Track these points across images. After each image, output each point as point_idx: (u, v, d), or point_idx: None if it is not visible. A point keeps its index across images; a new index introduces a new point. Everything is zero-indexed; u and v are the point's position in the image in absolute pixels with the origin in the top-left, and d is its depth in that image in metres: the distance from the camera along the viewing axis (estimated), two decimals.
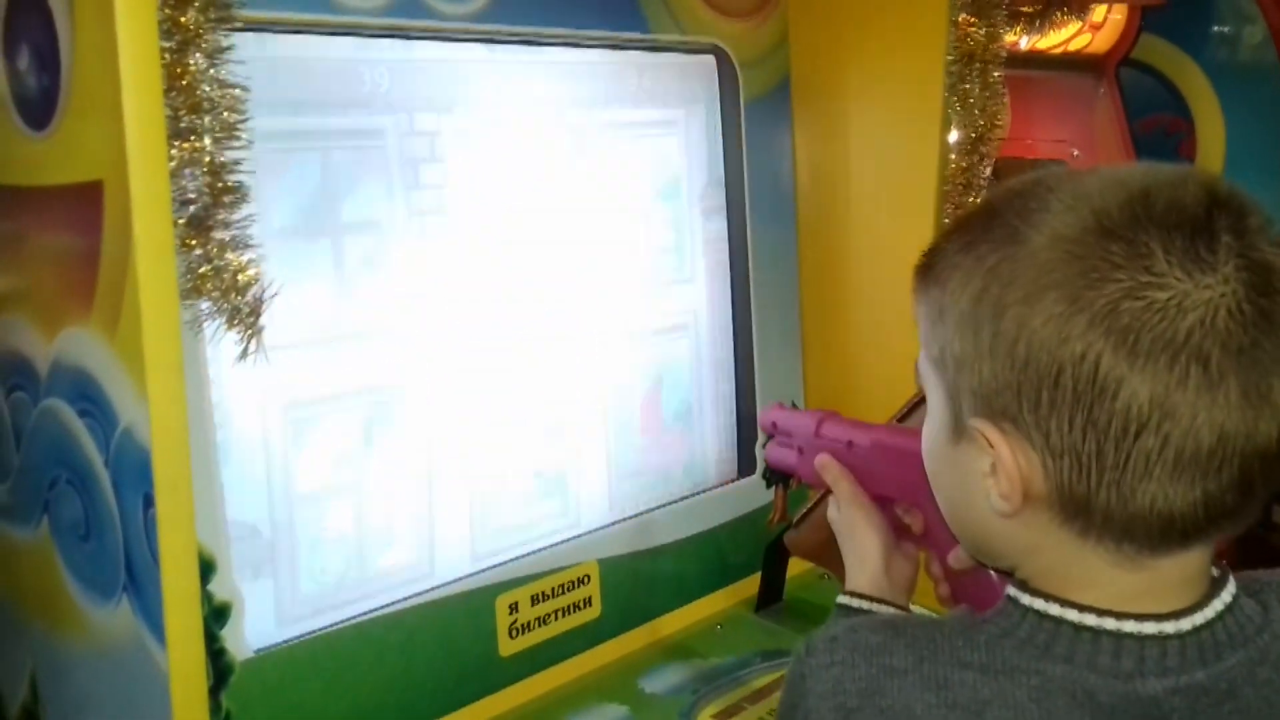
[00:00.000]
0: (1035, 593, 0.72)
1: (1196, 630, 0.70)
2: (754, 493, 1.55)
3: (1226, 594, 0.72)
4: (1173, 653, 0.69)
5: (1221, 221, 0.65)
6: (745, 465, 1.56)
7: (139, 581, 0.82)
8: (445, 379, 1.22)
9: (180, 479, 0.79)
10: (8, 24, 0.84)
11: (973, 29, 1.41)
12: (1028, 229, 0.68)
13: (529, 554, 1.30)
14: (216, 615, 1.03)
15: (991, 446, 0.69)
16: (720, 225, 1.52)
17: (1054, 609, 0.71)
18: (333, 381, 1.13)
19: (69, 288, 0.82)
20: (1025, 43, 1.87)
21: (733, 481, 1.55)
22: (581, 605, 1.34)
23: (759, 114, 1.53)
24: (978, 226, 0.72)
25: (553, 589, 1.31)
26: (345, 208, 1.12)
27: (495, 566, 1.27)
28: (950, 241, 0.73)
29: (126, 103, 0.73)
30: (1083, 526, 0.70)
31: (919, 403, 1.39)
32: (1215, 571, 0.73)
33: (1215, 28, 2.68)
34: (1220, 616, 0.71)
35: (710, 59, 1.48)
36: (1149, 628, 0.69)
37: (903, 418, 1.41)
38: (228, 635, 1.03)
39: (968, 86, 1.46)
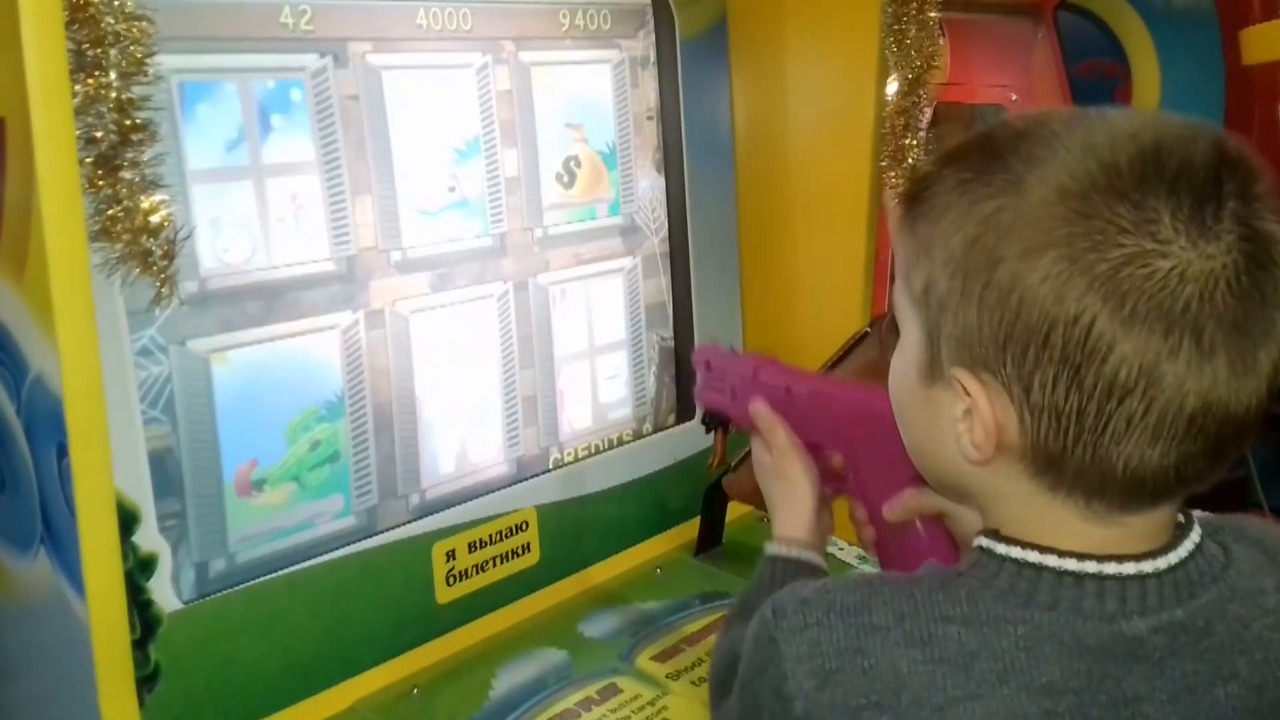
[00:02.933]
0: (1010, 541, 0.72)
1: (1171, 569, 0.71)
2: (692, 438, 1.54)
3: (1194, 535, 0.73)
4: (1152, 591, 0.70)
5: (1229, 186, 0.65)
6: (684, 411, 1.56)
7: (56, 534, 0.80)
8: (373, 322, 1.20)
9: (95, 428, 0.76)
10: None
11: None
12: (1030, 177, 0.66)
13: (466, 501, 1.29)
14: (142, 567, 1.00)
15: (969, 395, 0.69)
16: (657, 167, 1.50)
17: (1032, 556, 0.71)
18: (262, 328, 1.10)
19: None
20: None
21: (671, 427, 1.55)
22: (520, 551, 1.33)
23: (695, 55, 1.50)
24: (975, 164, 0.70)
25: (490, 536, 1.30)
26: (268, 149, 1.08)
27: (432, 515, 1.25)
28: (943, 175, 0.71)
29: (25, 35, 0.69)
30: (1053, 481, 0.70)
31: (855, 344, 1.40)
32: (1180, 517, 0.73)
33: None
34: (1191, 556, 0.72)
35: None
36: (1129, 568, 0.70)
37: (839, 360, 1.42)
38: (154, 587, 1.01)
39: (904, 27, 1.45)
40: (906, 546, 0.99)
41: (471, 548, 1.28)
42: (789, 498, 1.02)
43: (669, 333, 1.55)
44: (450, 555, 1.26)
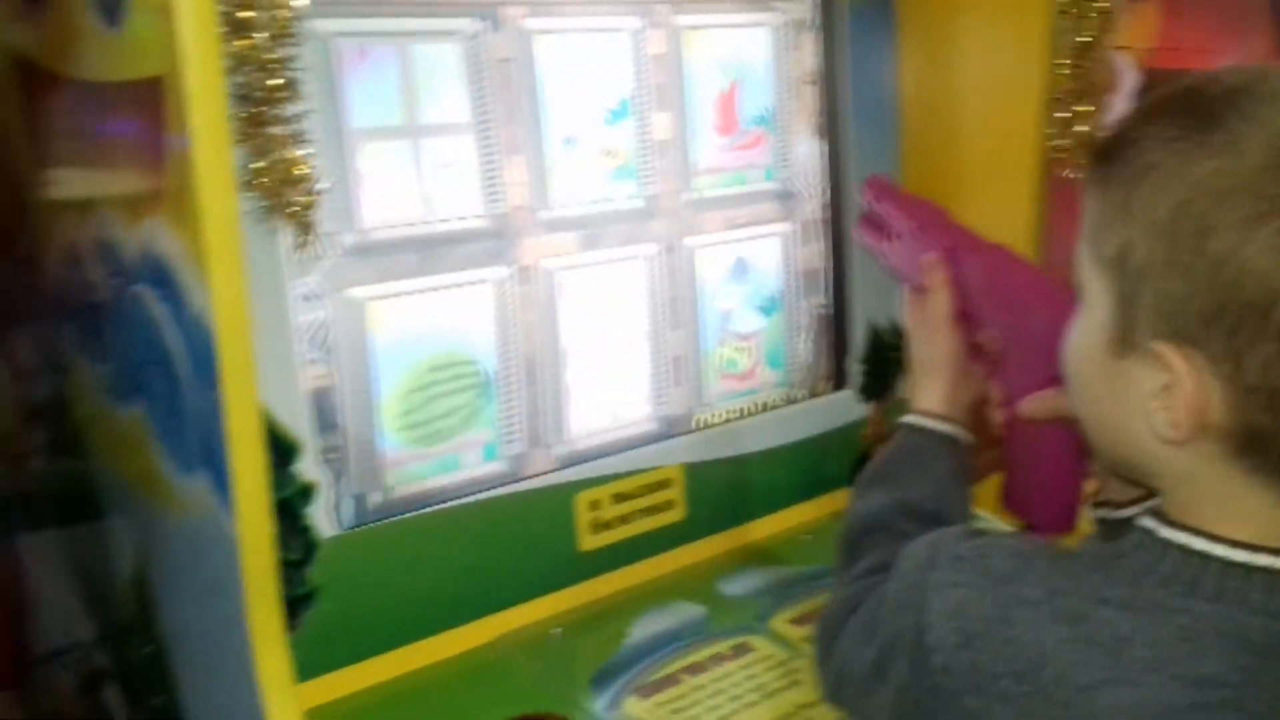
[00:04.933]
0: (1177, 525, 0.70)
1: None
2: (847, 407, 1.53)
3: None
4: None
5: None
6: (839, 379, 1.55)
7: (213, 456, 0.88)
8: (523, 278, 1.25)
9: (243, 363, 0.84)
10: None
11: None
12: (1252, 138, 0.63)
13: (610, 454, 1.33)
14: (302, 494, 1.10)
15: (1170, 371, 0.66)
16: (818, 132, 1.49)
17: (1199, 544, 0.69)
18: (417, 279, 1.17)
19: (145, 179, 0.88)
20: None
21: (825, 394, 1.54)
22: (664, 507, 1.36)
23: (862, 18, 1.48)
24: (1184, 121, 0.66)
25: (634, 490, 1.33)
26: (427, 108, 1.14)
27: (576, 465, 1.30)
28: (1146, 132, 0.68)
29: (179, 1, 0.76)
30: (1255, 464, 0.67)
31: None
32: None
33: None
34: None
35: None
36: None
37: None
38: (312, 515, 1.10)
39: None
40: (1034, 445, 0.95)
41: (616, 499, 1.32)
42: (935, 364, 0.99)
43: (825, 300, 1.54)
44: (594, 505, 1.30)
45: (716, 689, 1.16)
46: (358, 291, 1.13)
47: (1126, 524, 0.77)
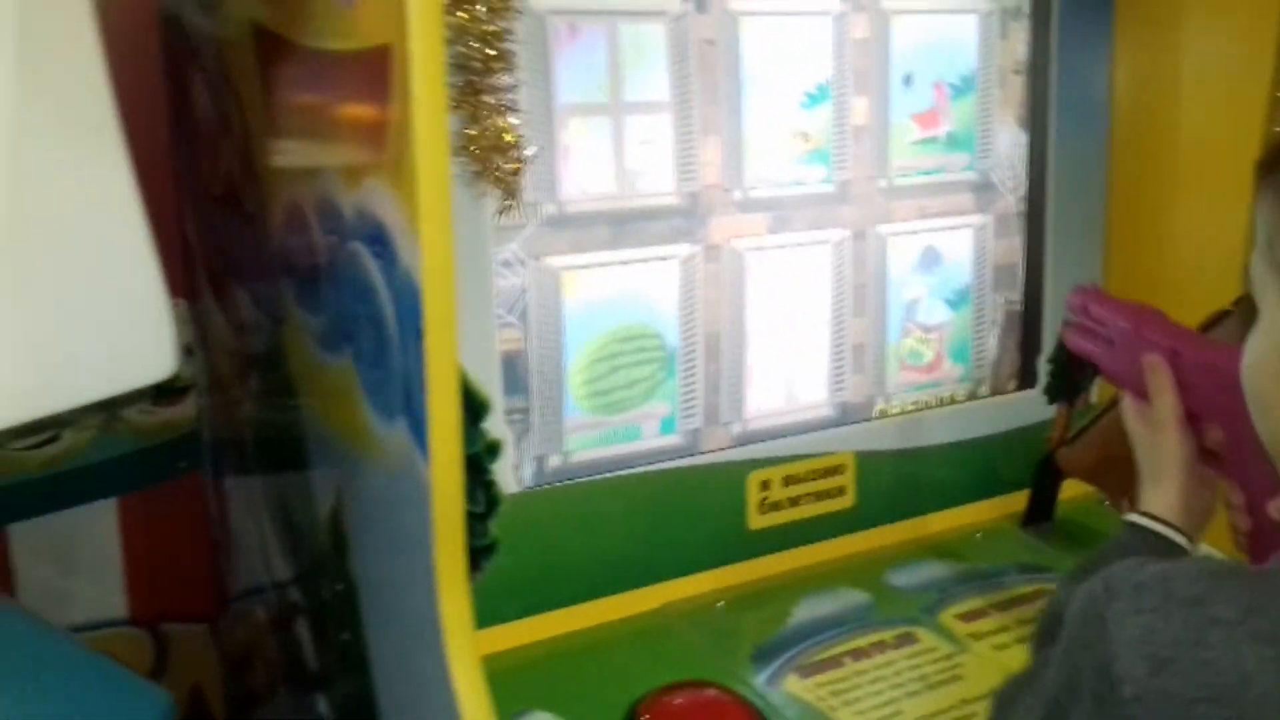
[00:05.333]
0: None
1: None
2: (1031, 407, 1.49)
3: None
4: None
5: None
6: (1025, 378, 1.51)
7: (413, 406, 0.94)
8: (711, 256, 1.27)
9: (445, 318, 0.89)
10: None
11: None
12: None
13: (786, 436, 1.33)
14: (489, 451, 1.15)
15: None
16: (1021, 123, 1.45)
17: None
18: (609, 251, 1.20)
19: (366, 143, 0.94)
20: None
21: (1010, 393, 1.50)
22: (836, 493, 1.36)
23: (1076, 8, 1.43)
24: None
25: (807, 473, 1.34)
26: (630, 86, 1.17)
27: (751, 444, 1.31)
28: None
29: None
30: None
31: (1212, 324, 1.29)
32: None
33: None
34: None
35: None
36: None
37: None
38: (498, 470, 1.15)
39: None
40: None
41: (787, 481, 1.33)
42: (1155, 466, 0.99)
43: (1017, 296, 1.50)
44: (765, 485, 1.31)
45: (878, 675, 1.16)
46: (554, 260, 1.17)
47: None
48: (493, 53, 0.86)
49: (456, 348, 0.90)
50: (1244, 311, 1.18)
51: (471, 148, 0.87)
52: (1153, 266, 1.51)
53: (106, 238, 0.90)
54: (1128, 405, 1.05)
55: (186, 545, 1.75)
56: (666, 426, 1.28)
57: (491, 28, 0.85)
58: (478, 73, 0.86)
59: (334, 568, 1.22)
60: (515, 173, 0.90)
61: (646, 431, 1.27)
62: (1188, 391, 0.99)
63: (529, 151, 0.92)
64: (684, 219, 1.25)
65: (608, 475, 1.23)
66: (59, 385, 0.88)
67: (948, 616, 1.26)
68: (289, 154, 1.15)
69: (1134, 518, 0.98)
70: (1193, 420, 0.98)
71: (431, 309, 0.88)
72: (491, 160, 0.88)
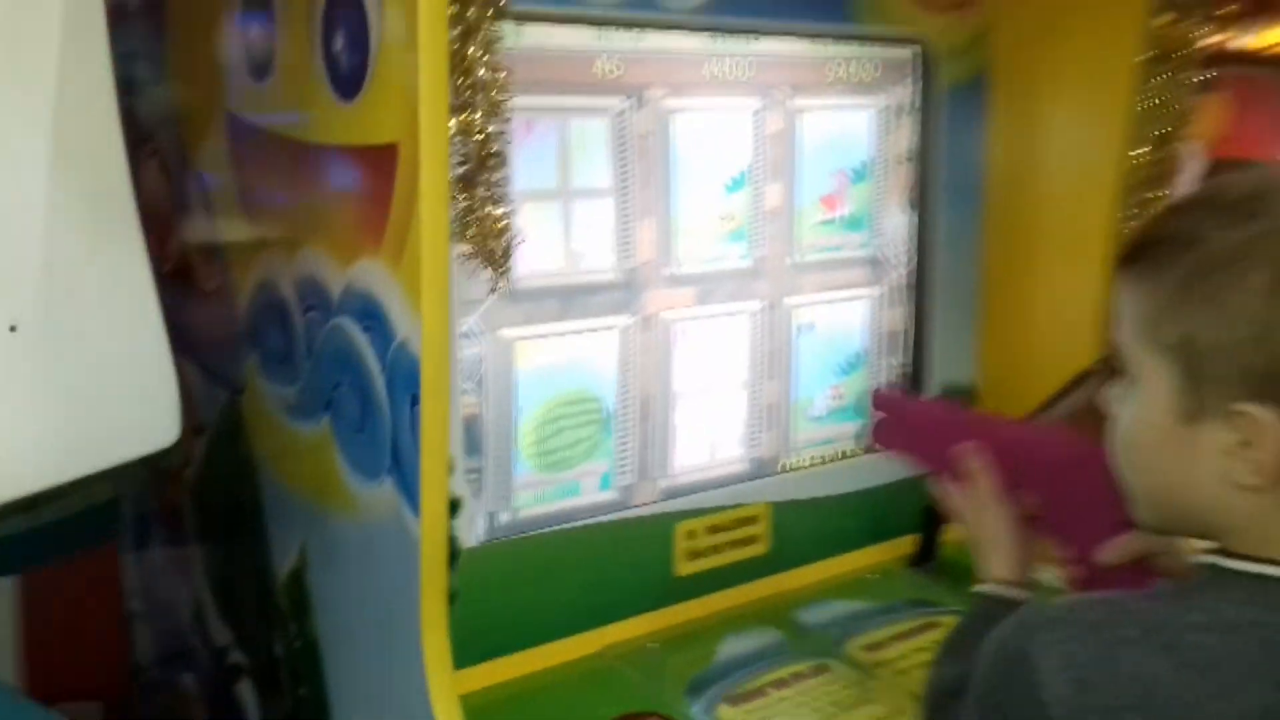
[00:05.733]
0: (1244, 557, 0.82)
1: None
2: None
3: None
4: None
5: None
6: None
7: (402, 465, 1.03)
8: (645, 326, 1.40)
9: (441, 384, 0.99)
10: (328, 13, 1.04)
11: (1167, 30, 1.47)
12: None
13: (707, 489, 1.46)
14: (451, 508, 1.24)
15: (1257, 426, 0.77)
16: (910, 205, 1.64)
17: (1269, 569, 0.81)
18: (557, 323, 1.32)
19: (365, 227, 1.03)
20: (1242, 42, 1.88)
21: None
22: (751, 541, 1.50)
23: (956, 102, 1.63)
24: (1251, 209, 0.78)
25: (727, 523, 1.47)
26: (578, 174, 1.30)
27: (677, 498, 1.44)
28: (1193, 228, 0.80)
29: (422, 83, 0.92)
30: None
31: (1079, 382, 1.48)
32: None
33: None
34: None
35: (910, 51, 1.59)
36: None
37: (1062, 396, 1.51)
38: (457, 526, 1.24)
39: (1157, 83, 1.51)
40: (1115, 584, 1.04)
41: (710, 531, 1.46)
42: (996, 537, 1.11)
43: (905, 359, 1.67)
44: (690, 534, 1.44)
45: (800, 701, 1.29)
46: (508, 332, 1.28)
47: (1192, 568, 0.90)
48: (488, 150, 0.97)
49: (449, 412, 1.00)
50: (1106, 373, 1.38)
51: (468, 233, 0.97)
52: (1019, 330, 1.71)
53: (126, 318, 0.97)
54: (947, 489, 1.16)
55: (91, 620, 1.74)
56: (604, 483, 1.40)
57: (489, 129, 0.96)
58: (474, 168, 0.96)
59: (293, 626, 1.28)
60: (506, 254, 1.01)
61: (586, 488, 1.38)
62: (1002, 467, 1.11)
63: (519, 237, 1.02)
64: (622, 293, 1.37)
65: (552, 529, 1.34)
66: (82, 452, 0.94)
67: (854, 648, 1.40)
68: (265, 236, 1.23)
69: (983, 588, 1.09)
70: (1008, 492, 1.11)
71: (428, 377, 0.98)
72: (486, 244, 0.98)
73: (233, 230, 1.27)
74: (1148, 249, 0.85)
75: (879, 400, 1.30)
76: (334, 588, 1.20)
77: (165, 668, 1.67)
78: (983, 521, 1.13)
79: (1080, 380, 1.47)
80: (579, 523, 1.36)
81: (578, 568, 1.35)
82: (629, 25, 1.32)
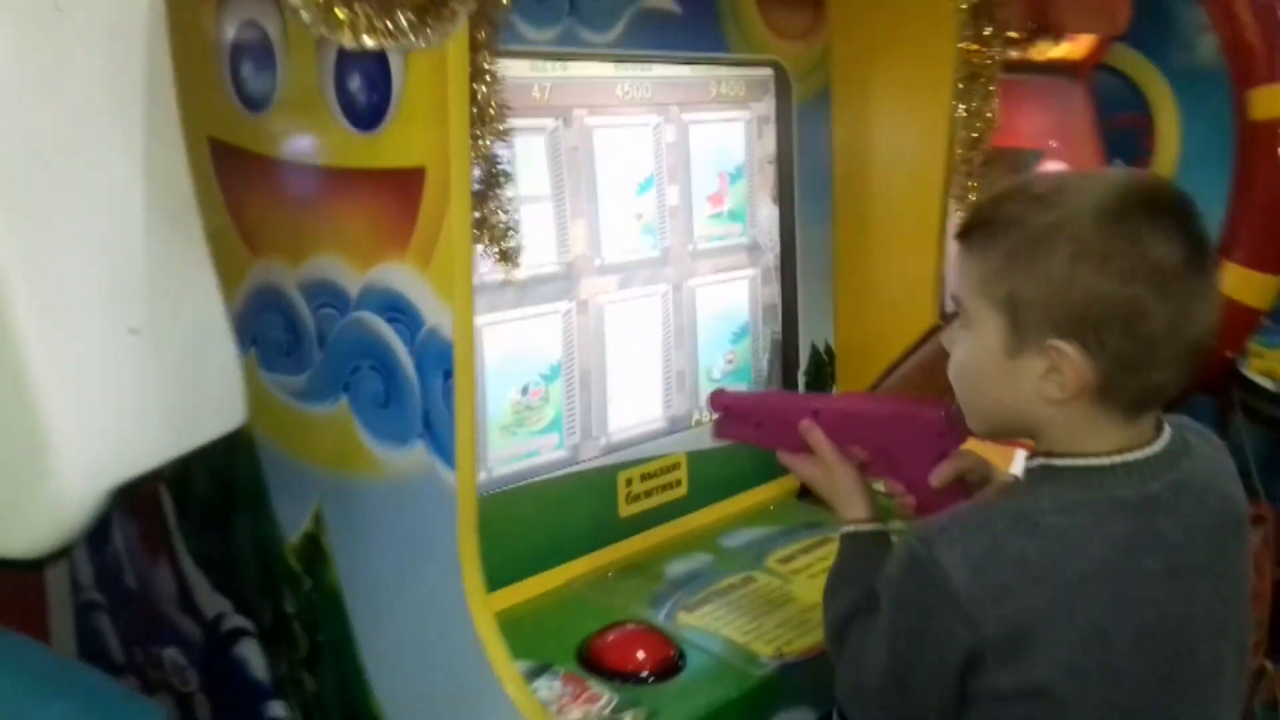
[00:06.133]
0: (1064, 455, 1.14)
1: (1163, 451, 1.15)
2: None
3: (1168, 429, 1.17)
4: (1155, 465, 1.13)
5: (1189, 211, 1.10)
6: (789, 387, 2.00)
7: (435, 430, 1.26)
8: (581, 310, 1.66)
9: (468, 361, 1.23)
10: (342, 58, 1.26)
11: (974, 55, 1.84)
12: (1083, 212, 1.07)
13: (638, 444, 1.74)
14: None
15: (1062, 355, 1.08)
16: (774, 199, 1.96)
17: (1082, 461, 1.13)
18: (514, 309, 1.57)
19: (387, 235, 1.25)
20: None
21: None
22: (675, 485, 1.79)
23: (806, 113, 1.96)
24: (1055, 200, 1.10)
25: (655, 470, 1.75)
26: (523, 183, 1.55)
27: (615, 452, 1.71)
28: (1014, 212, 1.12)
29: (451, 117, 1.16)
30: (1110, 403, 1.11)
31: (927, 337, 1.84)
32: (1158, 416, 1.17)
33: (1175, 38, 3.10)
34: (1170, 442, 1.16)
35: (770, 71, 1.92)
36: (1140, 455, 1.13)
37: (913, 350, 1.87)
38: None
39: (969, 95, 1.89)
40: (943, 502, 1.33)
41: (643, 478, 1.74)
42: (846, 489, 1.37)
43: (779, 327, 2.00)
44: (629, 482, 1.71)
45: (737, 605, 1.58)
46: (478, 319, 1.51)
47: (1028, 471, 1.23)
48: (496, 170, 1.21)
49: (474, 384, 1.25)
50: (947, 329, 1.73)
51: (483, 237, 1.21)
52: (868, 299, 2.06)
53: (204, 317, 1.17)
54: (793, 461, 1.42)
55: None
56: (558, 444, 1.65)
57: (496, 153, 1.21)
58: (486, 185, 1.21)
59: (307, 581, 1.48)
60: (516, 253, 1.25)
61: (543, 448, 1.64)
62: (832, 433, 1.38)
63: (520, 239, 1.27)
64: (563, 282, 1.63)
65: (519, 484, 1.59)
66: (181, 432, 1.13)
67: (771, 562, 1.72)
68: (265, 248, 1.42)
69: (848, 529, 1.34)
70: (843, 450, 1.37)
71: (461, 356, 1.22)
72: (497, 245, 1.23)
73: (226, 246, 1.45)
74: (981, 227, 1.18)
75: (717, 401, 1.51)
76: (355, 540, 1.41)
77: (141, 648, 1.81)
78: (831, 479, 1.39)
79: (927, 336, 1.82)
80: (539, 478, 1.61)
81: (543, 515, 1.61)
82: (558, 58, 1.58)
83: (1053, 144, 3.09)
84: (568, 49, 1.58)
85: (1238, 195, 2.85)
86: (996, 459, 1.42)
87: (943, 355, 1.43)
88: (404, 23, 0.96)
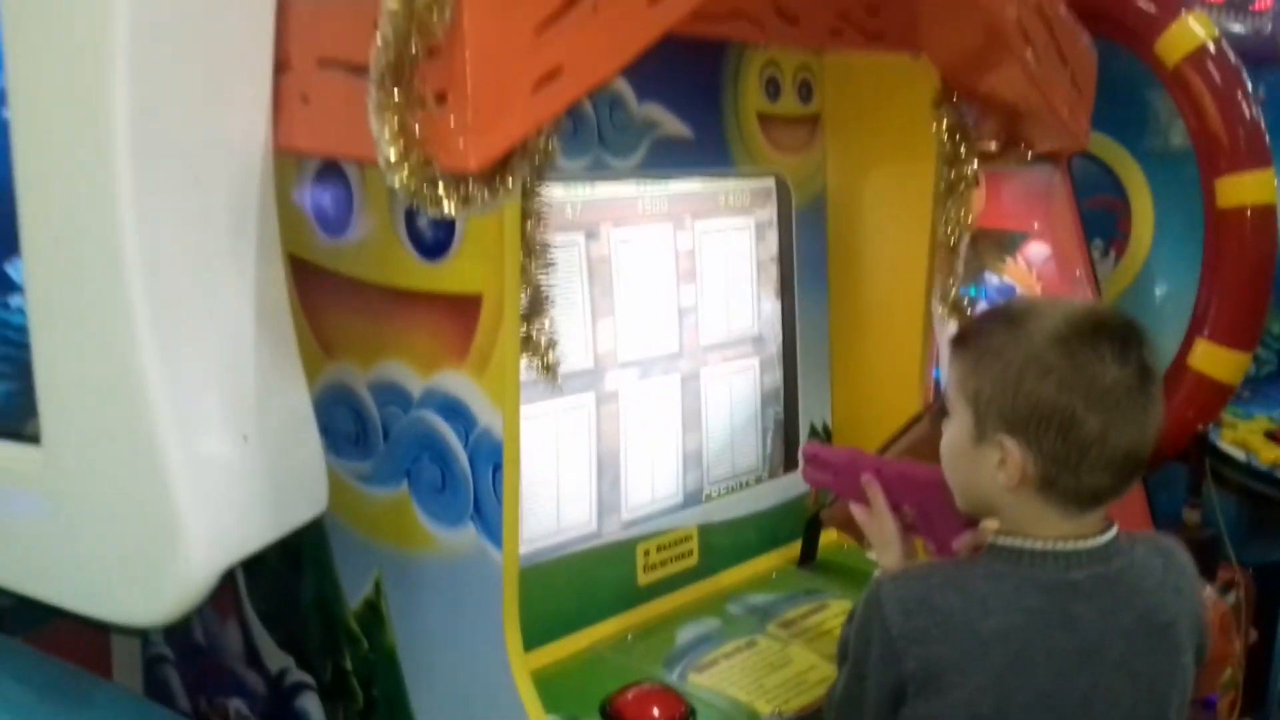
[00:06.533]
0: (1010, 534, 1.37)
1: (1100, 546, 1.36)
2: (795, 484, 2.19)
3: (1113, 529, 1.38)
4: (1085, 557, 1.35)
5: (1133, 337, 1.32)
6: (789, 463, 2.22)
7: (484, 514, 1.47)
8: (606, 399, 1.88)
9: (514, 458, 1.45)
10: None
11: (951, 164, 2.07)
12: (1034, 334, 1.31)
13: (654, 518, 1.95)
14: None
15: (1007, 449, 1.32)
16: (777, 294, 2.18)
17: (1019, 542, 1.36)
18: (548, 401, 1.78)
19: (448, 347, 1.47)
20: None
21: (781, 476, 2.20)
22: (687, 555, 1.99)
23: (804, 218, 2.19)
24: (1001, 325, 1.35)
25: (670, 542, 1.96)
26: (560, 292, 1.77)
27: (634, 526, 1.92)
28: (982, 328, 1.38)
29: (506, 253, 1.38)
30: (1051, 496, 1.34)
31: (913, 423, 2.05)
32: (1106, 518, 1.39)
33: (1148, 124, 3.34)
34: (1112, 540, 1.37)
35: (771, 181, 2.15)
36: (1074, 545, 1.35)
37: (901, 434, 2.08)
38: None
39: (947, 201, 2.11)
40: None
41: (659, 549, 1.94)
42: (886, 539, 1.63)
43: (780, 408, 2.21)
44: (646, 553, 1.92)
45: (744, 666, 1.78)
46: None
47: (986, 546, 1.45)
48: (540, 295, 1.43)
49: (519, 477, 1.47)
50: (933, 416, 1.94)
51: (528, 352, 1.44)
52: (861, 382, 2.28)
53: (298, 419, 1.39)
54: (855, 509, 1.67)
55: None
56: (584, 520, 1.86)
57: (539, 278, 1.43)
58: (530, 310, 1.43)
59: (365, 642, 1.69)
60: (555, 364, 1.47)
61: (577, 525, 1.85)
62: (889, 492, 1.62)
63: (560, 353, 1.49)
64: (590, 375, 1.85)
65: (551, 557, 1.79)
66: (278, 518, 1.35)
67: (773, 627, 1.92)
68: (337, 351, 1.64)
69: (876, 573, 1.51)
70: (894, 508, 1.62)
71: (509, 453, 1.44)
72: (539, 358, 1.45)
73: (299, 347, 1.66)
74: (964, 337, 1.43)
75: (807, 452, 1.81)
76: (411, 607, 1.62)
77: (206, 698, 2.01)
78: (878, 529, 1.63)
79: (911, 424, 2.04)
80: (568, 551, 1.82)
81: (571, 583, 1.81)
82: (589, 181, 1.81)
83: (1036, 225, 3.33)
84: (597, 173, 1.81)
85: (1208, 277, 3.09)
86: None
87: (928, 439, 1.66)
88: (474, 194, 1.18)
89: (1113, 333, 1.32)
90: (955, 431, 1.41)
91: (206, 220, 1.23)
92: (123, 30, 1.19)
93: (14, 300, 1.41)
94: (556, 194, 1.74)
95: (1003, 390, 1.33)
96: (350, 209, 1.56)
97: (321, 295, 1.65)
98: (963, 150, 2.05)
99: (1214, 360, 3.05)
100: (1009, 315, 1.39)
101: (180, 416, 1.19)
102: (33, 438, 1.35)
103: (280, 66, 1.36)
